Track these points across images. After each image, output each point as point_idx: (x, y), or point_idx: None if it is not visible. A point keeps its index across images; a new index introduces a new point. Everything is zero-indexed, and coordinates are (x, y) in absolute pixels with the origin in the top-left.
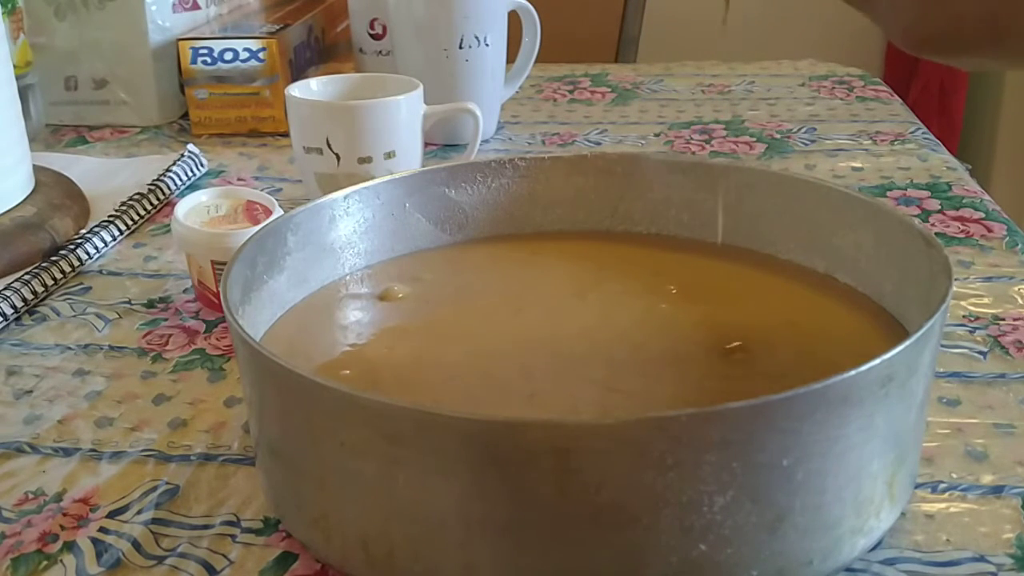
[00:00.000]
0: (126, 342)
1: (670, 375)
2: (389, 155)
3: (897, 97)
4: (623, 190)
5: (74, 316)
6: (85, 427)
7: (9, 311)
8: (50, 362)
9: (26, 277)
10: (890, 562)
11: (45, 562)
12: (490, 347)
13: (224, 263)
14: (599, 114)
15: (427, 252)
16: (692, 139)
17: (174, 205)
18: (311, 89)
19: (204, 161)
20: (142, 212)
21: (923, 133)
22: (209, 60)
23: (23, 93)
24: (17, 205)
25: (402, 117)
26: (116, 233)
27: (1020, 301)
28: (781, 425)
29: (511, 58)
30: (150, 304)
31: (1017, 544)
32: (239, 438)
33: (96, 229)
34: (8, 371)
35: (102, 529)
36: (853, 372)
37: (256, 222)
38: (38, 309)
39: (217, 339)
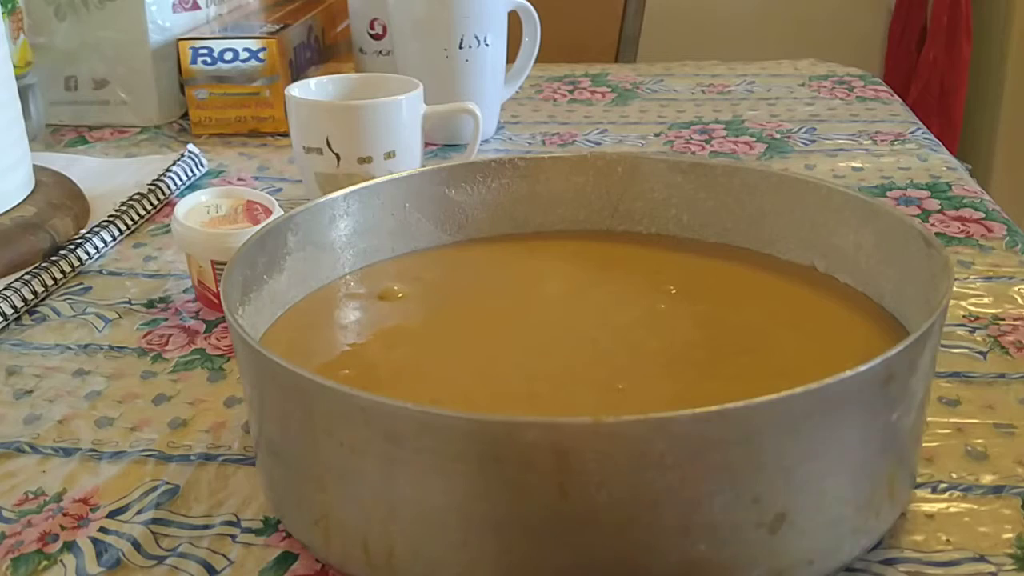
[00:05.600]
0: (126, 342)
1: (670, 375)
2: (389, 155)
3: (897, 97)
4: (623, 190)
5: (74, 316)
6: (85, 427)
7: (9, 311)
8: (50, 362)
9: (26, 277)
10: (890, 562)
11: (45, 562)
12: (490, 347)
13: (224, 263)
14: (599, 114)
15: (427, 252)
16: (692, 139)
17: (174, 205)
18: (311, 89)
19: (204, 161)
20: (142, 212)
21: (923, 133)
22: (209, 60)
23: (23, 93)
24: (17, 205)
25: (402, 117)
26: (116, 233)
27: (1020, 301)
28: (781, 425)
29: (511, 58)
30: (150, 304)
31: (1017, 544)
32: (239, 438)
33: (96, 229)
34: (8, 371)
35: (102, 529)
36: (853, 372)
37: (256, 222)
38: (38, 309)
39: (217, 339)
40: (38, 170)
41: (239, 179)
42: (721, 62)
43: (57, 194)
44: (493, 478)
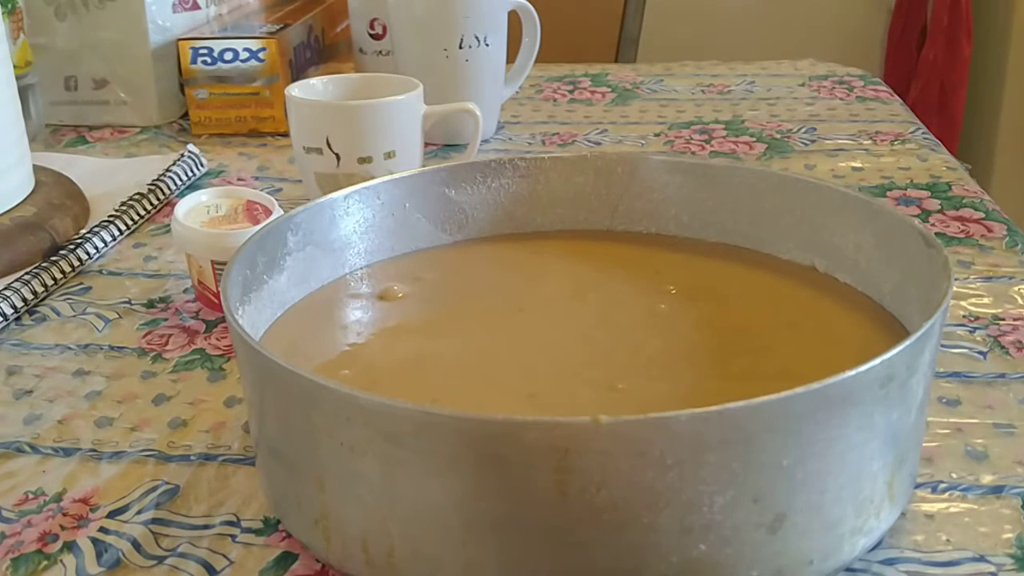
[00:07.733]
0: (126, 342)
1: (670, 375)
2: (389, 155)
3: (897, 97)
4: (623, 190)
5: (74, 316)
6: (85, 427)
7: (9, 311)
8: (50, 362)
9: (26, 277)
10: (890, 562)
11: (45, 562)
12: (490, 347)
13: (224, 263)
14: (599, 114)
15: (427, 252)
16: (692, 139)
17: (174, 205)
18: (311, 89)
19: (204, 161)
20: (142, 212)
21: (923, 133)
22: (209, 60)
23: (23, 93)
24: (17, 205)
25: (402, 117)
26: (116, 233)
27: (1020, 301)
28: (781, 425)
29: (511, 58)
30: (150, 304)
31: (1017, 544)
32: (239, 438)
33: (96, 229)
34: (8, 371)
35: (102, 529)
36: (853, 372)
37: (256, 222)
38: (38, 309)
39: (217, 339)
40: (38, 170)
41: (239, 179)
42: (721, 62)
43: (57, 194)
44: (493, 478)
